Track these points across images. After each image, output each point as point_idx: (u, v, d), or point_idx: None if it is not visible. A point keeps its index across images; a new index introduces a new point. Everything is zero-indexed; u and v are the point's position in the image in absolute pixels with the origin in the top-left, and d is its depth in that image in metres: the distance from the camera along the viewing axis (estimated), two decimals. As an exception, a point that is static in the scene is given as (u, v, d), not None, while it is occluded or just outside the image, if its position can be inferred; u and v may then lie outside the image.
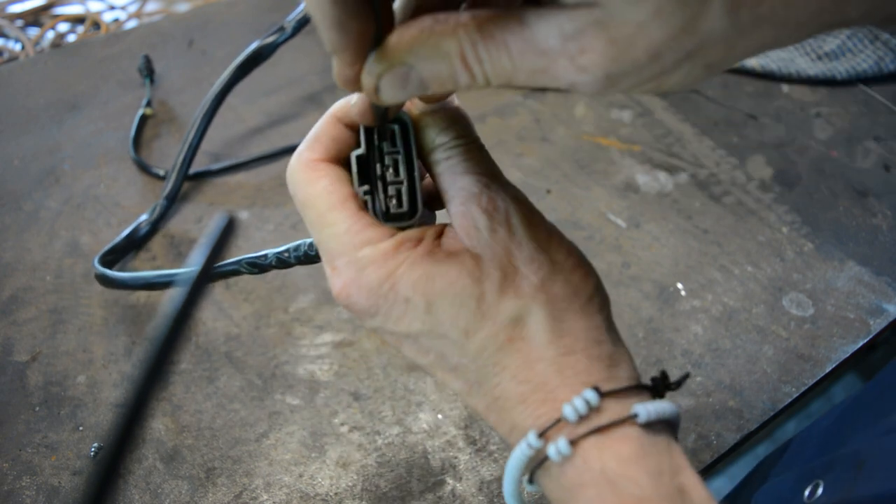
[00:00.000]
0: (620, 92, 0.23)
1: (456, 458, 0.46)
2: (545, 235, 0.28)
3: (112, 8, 0.95)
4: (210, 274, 0.21)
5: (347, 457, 0.46)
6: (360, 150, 0.29)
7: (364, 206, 0.29)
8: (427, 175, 0.31)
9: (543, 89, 0.74)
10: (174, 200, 0.63)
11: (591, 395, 0.25)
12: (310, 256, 0.36)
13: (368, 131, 0.29)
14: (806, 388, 0.50)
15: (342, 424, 0.48)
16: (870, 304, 0.56)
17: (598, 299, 0.27)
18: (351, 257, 0.27)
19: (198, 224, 0.62)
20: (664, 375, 0.27)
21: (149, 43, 0.83)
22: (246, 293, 0.56)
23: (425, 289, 0.26)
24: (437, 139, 0.29)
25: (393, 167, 0.29)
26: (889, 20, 0.22)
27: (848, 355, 0.52)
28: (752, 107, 0.75)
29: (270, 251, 0.37)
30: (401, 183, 0.29)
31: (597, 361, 0.26)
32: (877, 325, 0.54)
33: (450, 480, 0.45)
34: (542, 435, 0.25)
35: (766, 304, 0.56)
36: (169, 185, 0.62)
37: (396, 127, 0.29)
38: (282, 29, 0.65)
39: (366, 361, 0.52)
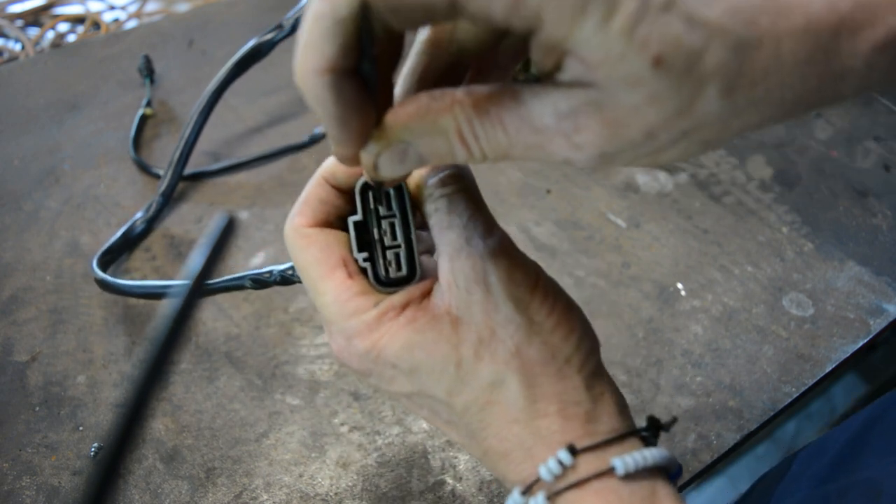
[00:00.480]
0: (616, 166, 0.24)
1: (456, 458, 0.46)
2: (527, 293, 0.28)
3: (112, 8, 0.95)
4: (209, 274, 0.21)
5: (347, 457, 0.46)
6: (357, 217, 0.29)
7: (362, 271, 0.29)
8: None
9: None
10: (170, 197, 0.63)
11: (565, 456, 0.26)
12: None
13: (364, 196, 0.29)
14: (806, 388, 0.50)
15: (342, 424, 0.48)
16: (870, 304, 0.56)
17: (577, 358, 0.28)
18: (339, 327, 0.29)
19: (198, 224, 0.62)
20: (653, 420, 0.28)
21: (149, 43, 0.83)
22: (246, 293, 0.56)
23: (407, 358, 0.28)
24: (426, 190, 0.30)
25: (390, 231, 0.30)
26: (884, 91, 0.22)
27: (848, 355, 0.52)
28: (752, 107, 0.75)
29: (276, 268, 0.38)
30: (398, 247, 0.30)
31: (573, 420, 0.27)
32: (877, 325, 0.54)
33: (450, 480, 0.45)
34: (526, 491, 0.26)
35: (766, 304, 0.56)
36: (164, 183, 0.62)
37: (391, 190, 0.30)
38: (280, 27, 0.65)
39: (366, 361, 0.52)
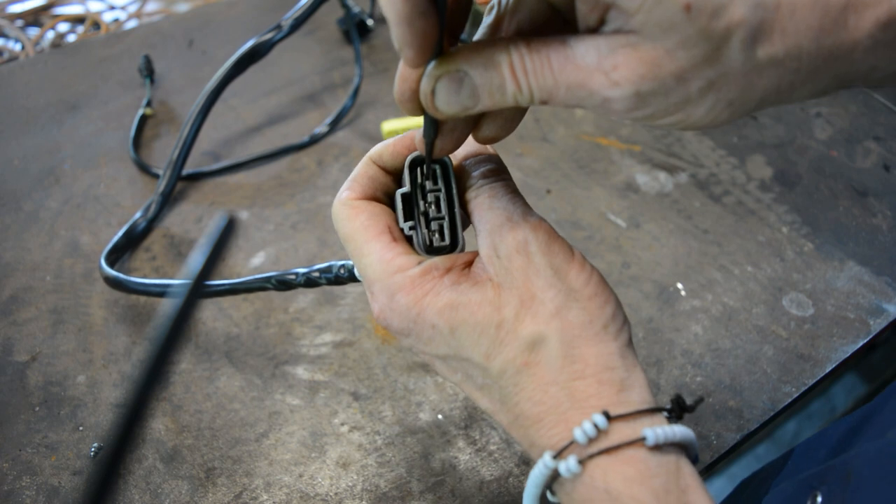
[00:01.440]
0: (650, 120, 0.26)
1: (456, 458, 0.46)
2: (564, 262, 0.29)
3: (112, 8, 0.95)
4: (209, 274, 0.21)
5: (347, 457, 0.46)
6: (405, 189, 0.32)
7: (408, 240, 0.32)
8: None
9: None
10: (169, 197, 0.63)
11: (600, 419, 0.26)
12: (340, 278, 0.39)
13: (412, 171, 0.32)
14: (806, 388, 0.50)
15: (342, 424, 0.48)
16: (870, 304, 0.56)
17: (613, 327, 0.29)
18: (383, 284, 0.30)
19: (198, 224, 0.62)
20: (679, 399, 0.29)
21: (149, 43, 0.83)
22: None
23: (449, 317, 0.29)
24: (471, 179, 0.32)
25: (435, 204, 0.32)
26: (890, 76, 0.25)
27: (848, 355, 0.52)
28: (752, 107, 0.75)
29: (301, 270, 0.39)
30: (442, 218, 0.32)
31: (607, 386, 0.27)
32: (877, 325, 0.54)
33: (450, 480, 0.45)
34: (558, 455, 0.27)
35: (766, 304, 0.56)
36: (163, 182, 0.62)
37: (437, 167, 0.32)
38: (279, 27, 0.65)
39: (366, 361, 0.52)
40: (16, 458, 0.45)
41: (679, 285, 0.57)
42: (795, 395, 0.50)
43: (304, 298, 0.55)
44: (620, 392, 0.28)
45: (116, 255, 0.57)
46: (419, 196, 0.32)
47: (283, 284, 0.41)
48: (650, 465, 0.26)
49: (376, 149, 0.33)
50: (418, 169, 0.32)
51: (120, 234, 0.58)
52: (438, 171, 0.32)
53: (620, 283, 0.57)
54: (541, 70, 0.25)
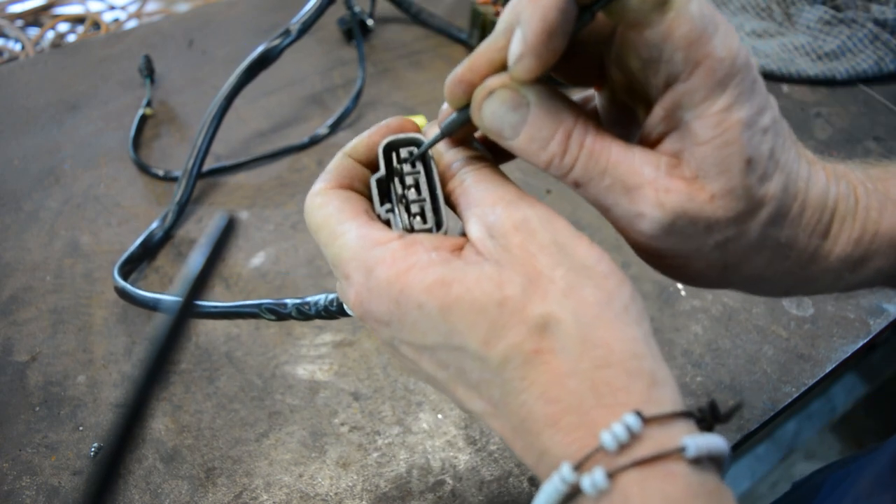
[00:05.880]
0: (656, 255, 0.28)
1: (456, 458, 0.46)
2: (571, 239, 0.25)
3: (112, 8, 0.95)
4: (210, 274, 0.21)
5: (347, 457, 0.46)
6: (380, 174, 0.30)
7: (385, 224, 0.29)
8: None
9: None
10: (185, 206, 0.62)
11: (633, 421, 0.21)
12: (330, 311, 0.36)
13: (387, 156, 0.30)
14: (806, 388, 0.50)
15: (342, 424, 0.48)
16: (870, 304, 0.56)
17: (634, 309, 0.24)
18: (360, 260, 0.26)
19: (198, 224, 0.62)
20: (713, 405, 0.24)
21: (149, 43, 0.83)
22: (246, 293, 0.56)
23: (440, 293, 0.24)
24: (452, 168, 0.29)
25: (415, 187, 0.29)
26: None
27: (848, 355, 0.52)
28: (752, 107, 0.75)
29: (290, 300, 0.38)
30: (423, 200, 0.29)
31: (636, 379, 0.22)
32: (877, 325, 0.54)
33: (450, 480, 0.45)
34: (579, 467, 0.22)
35: (766, 304, 0.56)
36: (180, 191, 0.61)
37: (414, 149, 0.30)
38: (287, 32, 0.65)
39: (366, 361, 0.52)
40: (16, 458, 0.45)
41: (679, 285, 0.57)
42: (795, 395, 0.50)
43: (304, 298, 0.56)
44: (652, 387, 0.22)
45: (132, 266, 0.57)
46: (395, 181, 0.30)
47: (273, 313, 0.40)
48: (691, 483, 0.21)
49: (351, 143, 0.31)
50: (393, 154, 0.30)
51: (136, 244, 0.57)
52: (415, 153, 0.30)
53: (620, 283, 0.57)
54: (598, 152, 0.25)
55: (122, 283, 0.52)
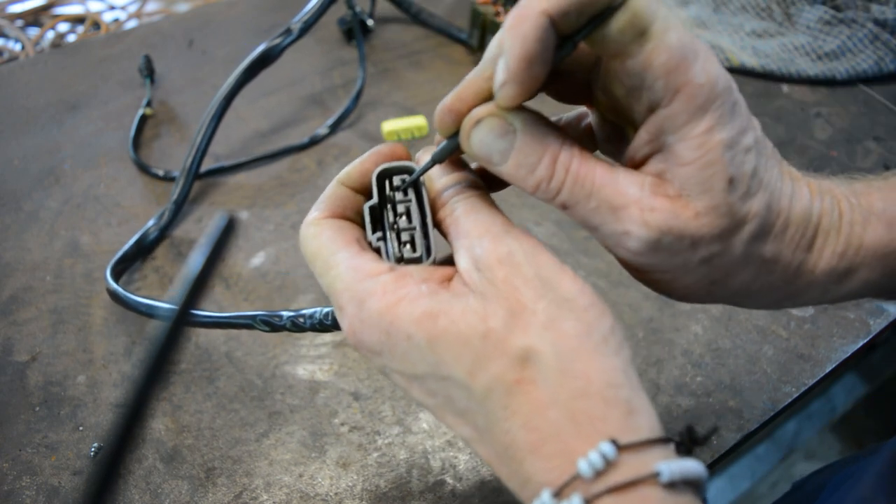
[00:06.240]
0: (644, 271, 0.28)
1: (456, 458, 0.46)
2: (555, 273, 0.26)
3: (112, 8, 0.95)
4: (209, 274, 0.21)
5: (347, 457, 0.46)
6: (373, 201, 0.30)
7: (376, 252, 0.30)
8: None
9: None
10: (182, 205, 0.62)
11: (609, 449, 0.23)
12: (325, 325, 0.36)
13: (380, 184, 0.31)
14: (806, 388, 0.50)
15: (342, 424, 0.48)
16: (870, 304, 0.56)
17: (613, 340, 0.25)
18: (353, 291, 0.27)
19: (198, 224, 0.62)
20: (690, 430, 0.25)
21: (149, 43, 0.83)
22: (246, 293, 0.56)
23: (428, 325, 0.26)
24: (444, 195, 0.30)
25: (406, 215, 0.30)
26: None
27: (848, 355, 0.52)
28: (753, 106, 0.74)
29: (285, 312, 0.38)
30: (413, 229, 0.30)
31: (613, 408, 0.24)
32: (877, 325, 0.54)
33: (450, 480, 0.45)
34: (558, 493, 0.23)
35: (766, 304, 0.56)
36: (177, 190, 0.61)
37: (407, 177, 0.30)
38: (288, 31, 0.65)
39: (366, 361, 0.52)
40: (16, 458, 0.45)
41: (679, 285, 0.57)
42: (795, 395, 0.50)
43: (303, 298, 0.56)
44: (629, 415, 0.24)
45: (125, 265, 0.56)
46: (388, 208, 0.30)
47: (267, 325, 0.40)
48: None
49: (344, 170, 0.31)
50: (386, 181, 0.31)
51: (130, 243, 0.57)
52: (408, 181, 0.30)
53: (621, 283, 0.57)
54: (584, 176, 0.26)
55: (114, 285, 0.51)
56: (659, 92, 0.25)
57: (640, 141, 0.26)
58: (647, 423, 0.24)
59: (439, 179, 0.30)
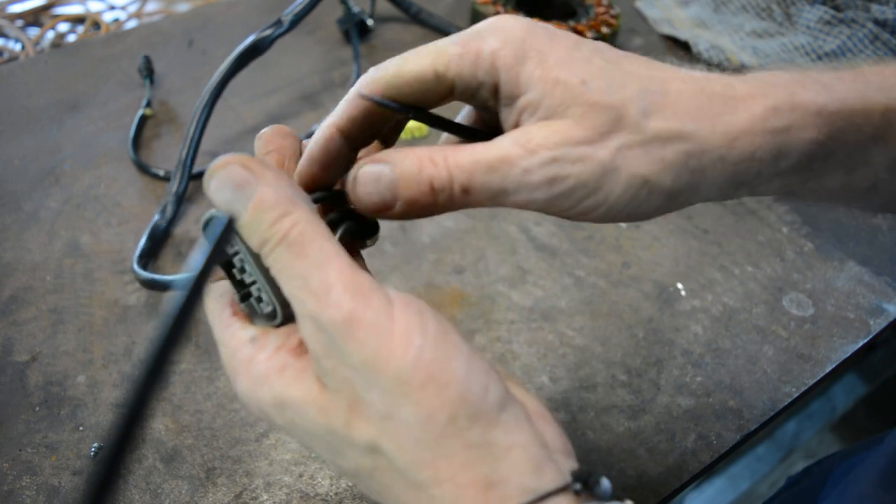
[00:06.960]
0: (575, 204, 0.27)
1: (456, 458, 0.46)
2: (380, 349, 0.23)
3: (112, 8, 0.95)
4: (210, 274, 0.21)
5: (347, 457, 0.46)
6: (222, 258, 0.27)
7: (247, 315, 0.27)
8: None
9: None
10: (183, 197, 0.62)
11: None
12: None
13: (205, 233, 0.26)
14: (806, 388, 0.50)
15: (342, 424, 0.48)
16: (870, 304, 0.56)
17: (463, 414, 0.23)
18: (228, 369, 0.27)
19: (198, 224, 0.62)
20: (579, 473, 0.23)
21: (149, 43, 0.83)
22: (246, 293, 0.56)
23: (281, 416, 0.25)
24: (266, 244, 0.25)
25: (240, 266, 0.27)
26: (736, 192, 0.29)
27: (848, 355, 0.52)
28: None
29: None
30: (254, 282, 0.26)
31: (470, 489, 0.23)
32: (877, 325, 0.54)
33: (450, 480, 0.45)
34: None
35: (766, 304, 0.56)
36: (175, 183, 0.62)
37: (228, 220, 0.23)
38: (279, 22, 0.65)
39: (366, 361, 0.51)
40: (16, 458, 0.45)
41: (679, 285, 0.57)
42: (795, 395, 0.50)
43: (304, 298, 0.55)
44: (488, 491, 0.22)
45: (146, 260, 0.57)
46: (232, 264, 0.27)
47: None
48: None
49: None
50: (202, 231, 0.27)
51: (144, 238, 0.58)
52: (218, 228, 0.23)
53: (620, 284, 0.57)
54: (461, 153, 0.27)
55: (144, 274, 0.54)
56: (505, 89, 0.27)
57: (505, 116, 0.28)
58: (516, 489, 0.23)
59: (260, 224, 0.25)
